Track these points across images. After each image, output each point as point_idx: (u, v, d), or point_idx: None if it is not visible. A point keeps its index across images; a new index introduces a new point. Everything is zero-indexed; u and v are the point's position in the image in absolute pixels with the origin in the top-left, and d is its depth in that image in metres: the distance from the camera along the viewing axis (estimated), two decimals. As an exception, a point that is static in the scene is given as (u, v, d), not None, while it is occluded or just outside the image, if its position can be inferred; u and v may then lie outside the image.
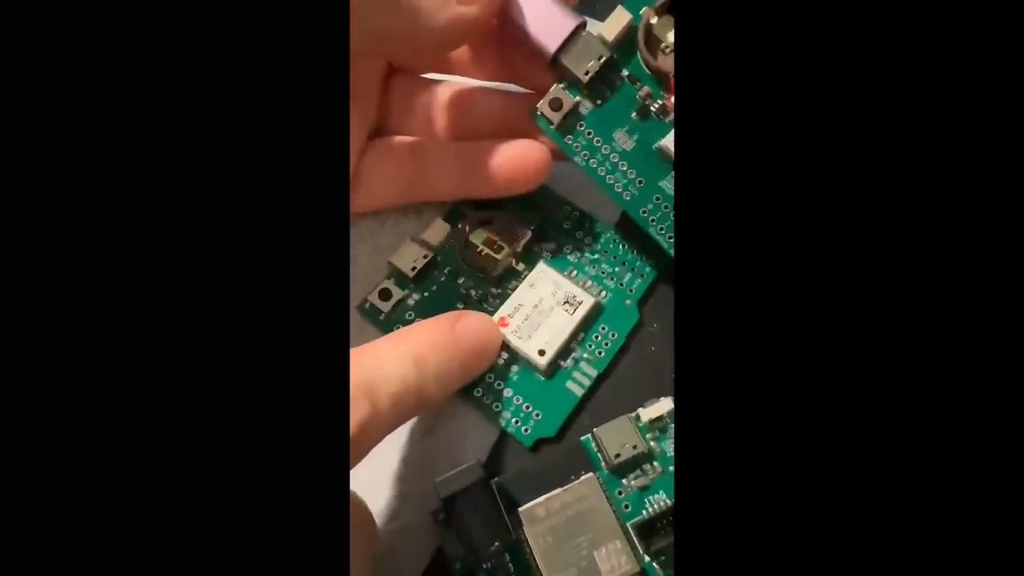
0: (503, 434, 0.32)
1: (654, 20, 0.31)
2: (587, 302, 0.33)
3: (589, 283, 0.35)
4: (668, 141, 0.30)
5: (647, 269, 0.36)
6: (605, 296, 0.35)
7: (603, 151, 0.32)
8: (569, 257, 0.36)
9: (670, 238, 0.32)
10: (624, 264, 0.36)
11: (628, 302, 0.35)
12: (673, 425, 0.30)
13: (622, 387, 0.33)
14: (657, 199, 0.32)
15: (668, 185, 0.32)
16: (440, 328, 0.29)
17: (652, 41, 0.31)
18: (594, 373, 0.32)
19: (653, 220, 0.32)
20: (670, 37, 0.31)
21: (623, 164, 0.32)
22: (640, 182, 0.32)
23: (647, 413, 0.31)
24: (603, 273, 0.36)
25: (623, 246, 0.36)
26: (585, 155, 0.32)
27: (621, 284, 0.35)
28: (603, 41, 0.30)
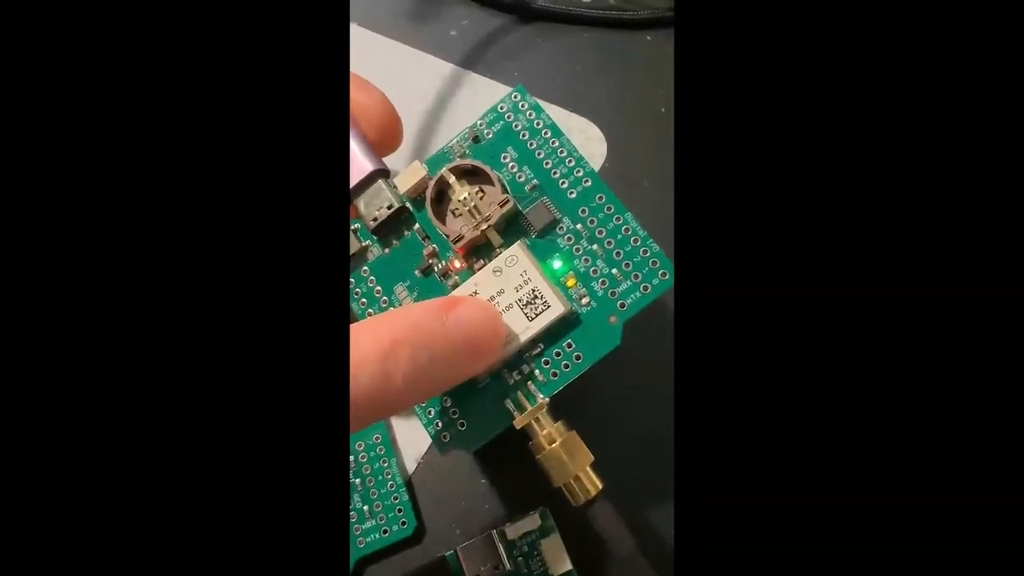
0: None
1: (451, 180, 0.26)
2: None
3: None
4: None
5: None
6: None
7: (381, 303, 0.27)
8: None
9: (430, 413, 0.26)
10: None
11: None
12: (542, 541, 0.28)
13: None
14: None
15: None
16: (429, 315, 0.22)
17: (444, 201, 0.26)
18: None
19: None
20: (458, 198, 0.26)
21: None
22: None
23: (514, 530, 0.28)
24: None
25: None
26: (363, 303, 0.27)
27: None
28: (397, 191, 0.26)
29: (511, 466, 0.30)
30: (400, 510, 0.30)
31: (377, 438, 0.31)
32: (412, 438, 0.32)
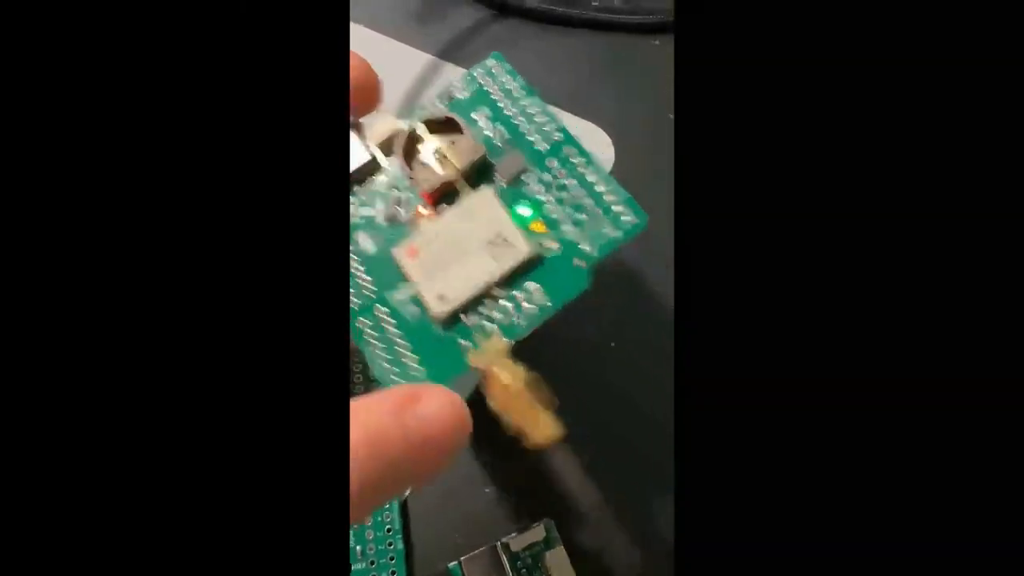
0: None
1: (423, 131, 0.26)
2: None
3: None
4: (400, 248, 0.25)
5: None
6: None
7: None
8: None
9: (381, 349, 0.24)
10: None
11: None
12: (546, 553, 0.27)
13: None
14: (379, 309, 0.25)
15: (394, 296, 0.25)
16: (384, 417, 0.19)
17: (416, 152, 0.26)
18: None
19: (368, 333, 0.24)
20: (429, 148, 0.26)
21: (360, 268, 0.25)
22: (372, 293, 0.25)
23: (518, 542, 0.27)
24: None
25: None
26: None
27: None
28: (368, 143, 0.26)
29: (516, 476, 0.29)
30: (392, 558, 0.29)
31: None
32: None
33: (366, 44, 0.38)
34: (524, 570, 0.27)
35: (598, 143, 0.35)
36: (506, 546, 0.27)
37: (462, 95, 0.27)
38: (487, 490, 0.30)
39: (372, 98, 0.28)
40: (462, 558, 0.27)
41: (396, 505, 0.29)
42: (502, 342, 0.24)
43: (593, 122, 0.35)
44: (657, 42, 0.37)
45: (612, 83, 0.36)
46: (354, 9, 0.39)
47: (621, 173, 0.34)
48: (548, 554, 0.27)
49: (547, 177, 0.25)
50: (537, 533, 0.27)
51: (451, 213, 0.25)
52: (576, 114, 0.35)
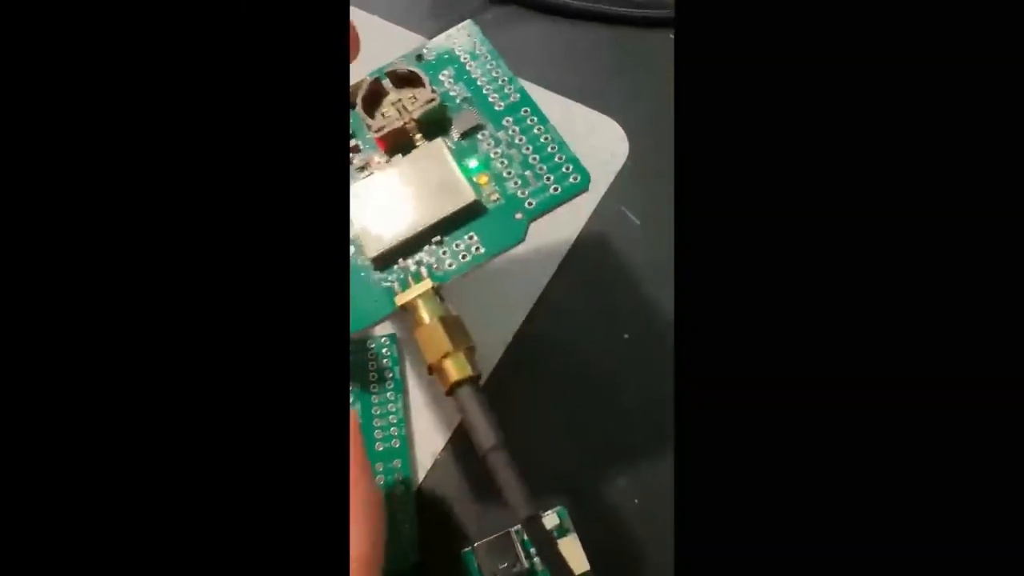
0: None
1: (386, 83, 0.27)
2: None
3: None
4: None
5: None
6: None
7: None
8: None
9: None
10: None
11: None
12: (559, 540, 0.26)
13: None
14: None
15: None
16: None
17: (378, 105, 0.27)
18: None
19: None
20: (390, 100, 0.27)
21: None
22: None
23: None
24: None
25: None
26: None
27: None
28: None
29: (531, 463, 0.28)
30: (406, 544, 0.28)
31: (398, 476, 0.29)
32: (427, 434, 0.30)
33: (379, 34, 0.38)
34: (537, 556, 0.26)
35: (612, 137, 0.35)
36: (520, 532, 0.26)
37: (431, 55, 0.28)
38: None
39: (352, 48, 0.29)
40: (475, 544, 0.26)
41: (411, 491, 0.28)
42: (427, 283, 0.23)
43: (608, 115, 0.35)
44: (672, 36, 0.37)
45: (627, 77, 0.36)
46: (364, 2, 0.39)
47: (635, 166, 0.34)
48: (561, 541, 0.26)
49: (501, 135, 0.26)
50: (550, 520, 0.26)
51: (402, 161, 0.25)
52: (591, 107, 0.35)
